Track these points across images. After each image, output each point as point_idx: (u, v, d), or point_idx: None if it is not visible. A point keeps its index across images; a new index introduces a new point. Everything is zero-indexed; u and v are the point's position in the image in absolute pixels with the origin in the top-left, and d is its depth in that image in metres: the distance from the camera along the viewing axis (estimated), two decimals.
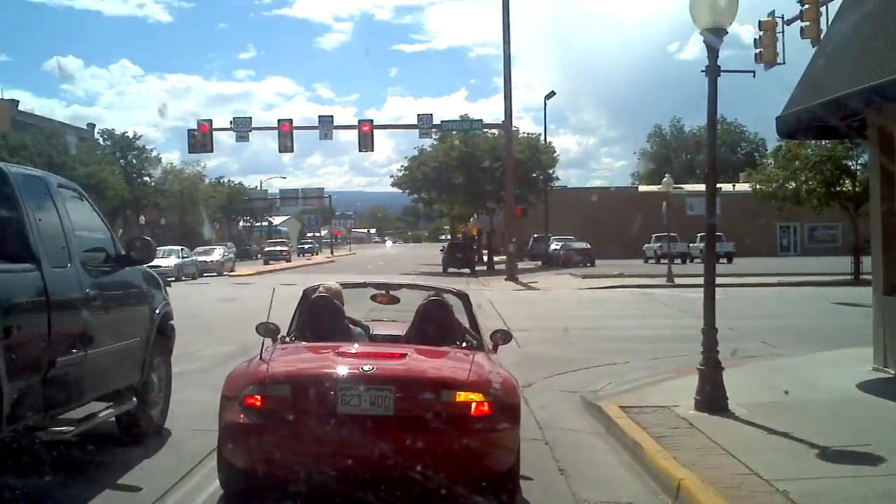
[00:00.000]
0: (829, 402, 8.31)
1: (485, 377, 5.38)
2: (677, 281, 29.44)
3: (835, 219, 43.41)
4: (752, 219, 47.75)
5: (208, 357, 12.13)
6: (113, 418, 6.62)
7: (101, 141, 60.38)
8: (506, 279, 34.81)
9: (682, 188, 55.73)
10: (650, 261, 50.61)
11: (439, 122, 40.02)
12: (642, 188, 69.84)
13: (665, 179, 34.12)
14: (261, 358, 5.51)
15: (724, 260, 43.35)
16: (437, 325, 6.26)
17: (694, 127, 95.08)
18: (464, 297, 7.13)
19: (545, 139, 50.99)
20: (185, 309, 20.94)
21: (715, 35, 7.76)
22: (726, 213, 40.58)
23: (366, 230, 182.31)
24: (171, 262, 37.53)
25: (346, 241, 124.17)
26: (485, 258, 52.12)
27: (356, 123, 39.31)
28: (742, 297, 21.80)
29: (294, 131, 38.73)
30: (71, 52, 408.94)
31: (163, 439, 7.14)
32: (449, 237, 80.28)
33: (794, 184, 30.41)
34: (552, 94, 55.80)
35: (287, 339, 6.34)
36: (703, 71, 7.95)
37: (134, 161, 60.00)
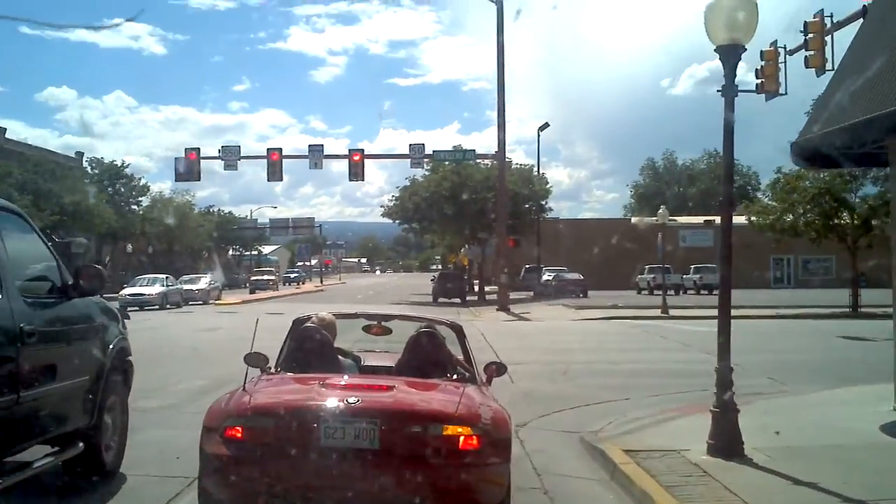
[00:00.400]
0: (853, 448, 7.63)
1: (474, 410, 5.12)
2: (672, 313, 29.09)
3: (829, 251, 42.94)
4: (745, 251, 47.28)
5: (181, 392, 11.38)
6: (60, 463, 5.90)
7: (89, 169, 59.73)
8: (497, 309, 34.13)
9: (675, 220, 55.39)
10: (643, 292, 50.11)
11: (431, 153, 39.56)
12: (635, 220, 69.44)
13: (661, 211, 33.61)
14: (244, 388, 5.27)
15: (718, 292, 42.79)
16: (428, 356, 6.04)
17: (686, 160, 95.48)
18: (457, 329, 6.88)
19: (538, 170, 50.66)
20: (164, 339, 20.23)
21: (731, 52, 7.33)
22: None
23: (356, 260, 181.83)
24: (156, 290, 36.96)
25: (336, 271, 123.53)
26: (476, 288, 51.40)
27: (347, 153, 38.80)
28: (742, 330, 20.95)
29: (285, 161, 38.31)
30: (65, 83, 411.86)
31: (115, 487, 6.38)
32: (440, 267, 79.65)
33: (791, 216, 30.00)
34: (546, 125, 55.91)
35: (274, 370, 6.09)
36: (718, 90, 7.52)
37: (122, 189, 59.44)
